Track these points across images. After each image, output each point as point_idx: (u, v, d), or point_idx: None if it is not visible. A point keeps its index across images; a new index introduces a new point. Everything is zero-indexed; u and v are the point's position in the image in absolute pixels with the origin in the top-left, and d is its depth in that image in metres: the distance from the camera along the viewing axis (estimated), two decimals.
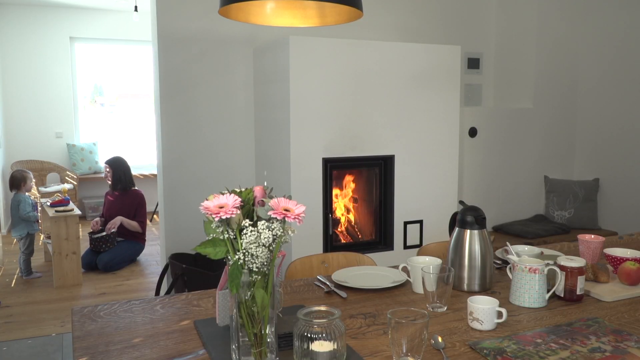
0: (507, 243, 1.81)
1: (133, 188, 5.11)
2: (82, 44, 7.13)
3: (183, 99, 3.73)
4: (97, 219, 5.13)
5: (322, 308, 1.17)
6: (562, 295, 1.59)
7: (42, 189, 6.36)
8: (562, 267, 1.58)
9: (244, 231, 1.07)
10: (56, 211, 4.41)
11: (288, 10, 1.83)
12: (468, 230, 1.70)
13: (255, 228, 1.07)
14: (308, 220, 3.38)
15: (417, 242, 3.77)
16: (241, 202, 1.09)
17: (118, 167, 5.02)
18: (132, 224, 4.98)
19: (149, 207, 6.81)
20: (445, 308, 1.52)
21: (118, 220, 4.86)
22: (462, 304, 1.55)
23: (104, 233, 4.83)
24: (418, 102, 3.68)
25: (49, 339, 3.34)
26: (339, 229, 3.70)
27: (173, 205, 3.77)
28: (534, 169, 4.57)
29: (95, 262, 4.74)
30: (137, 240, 5.06)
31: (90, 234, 4.86)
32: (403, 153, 3.67)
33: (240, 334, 1.12)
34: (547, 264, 1.57)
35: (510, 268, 1.64)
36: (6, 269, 4.84)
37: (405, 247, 3.75)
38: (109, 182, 5.08)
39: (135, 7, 6.26)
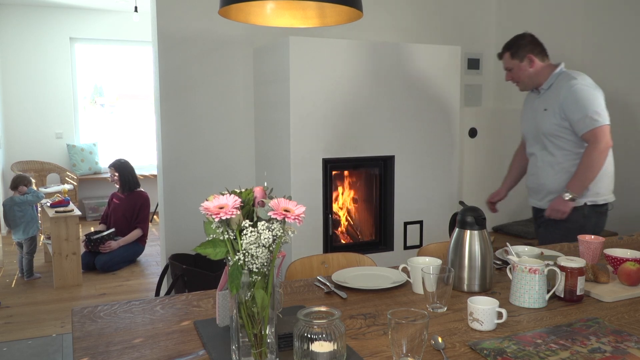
0: (507, 243, 1.81)
1: (138, 189, 5.12)
2: (82, 45, 7.13)
3: (183, 99, 3.73)
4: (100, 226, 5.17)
5: (322, 308, 1.17)
6: (562, 296, 1.59)
7: (42, 189, 6.36)
8: (562, 268, 1.58)
9: (244, 232, 1.07)
10: (56, 212, 4.41)
11: (288, 10, 1.83)
12: (468, 231, 1.70)
13: (255, 229, 1.07)
14: (308, 220, 3.38)
15: (417, 243, 3.77)
16: (241, 202, 1.09)
17: (124, 169, 5.05)
18: (130, 237, 4.97)
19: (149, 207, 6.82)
20: (445, 308, 1.52)
21: (115, 244, 4.85)
22: (462, 304, 1.54)
23: (104, 233, 4.82)
24: (418, 102, 3.68)
25: (49, 339, 3.34)
26: (339, 230, 3.70)
27: (173, 206, 3.77)
28: None
29: (93, 262, 4.74)
30: (137, 241, 5.06)
31: (88, 235, 4.85)
32: (403, 153, 3.67)
33: (241, 335, 1.13)
34: (547, 265, 1.57)
35: (510, 268, 1.64)
36: (6, 269, 4.84)
37: (405, 247, 3.75)
38: (117, 186, 5.10)
39: (135, 7, 6.26)
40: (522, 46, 2.65)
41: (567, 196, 2.54)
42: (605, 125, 2.48)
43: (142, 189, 5.18)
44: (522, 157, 2.96)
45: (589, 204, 2.56)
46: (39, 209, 5.06)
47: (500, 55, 2.76)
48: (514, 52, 2.68)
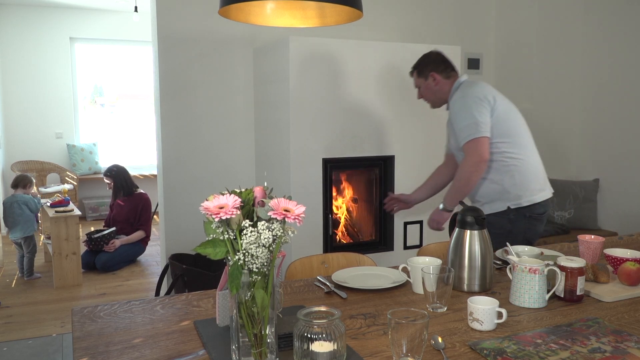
0: (507, 243, 1.82)
1: (138, 191, 5.12)
2: (82, 45, 7.13)
3: (183, 99, 3.73)
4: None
5: (322, 308, 1.17)
6: (562, 296, 1.59)
7: (42, 189, 6.36)
8: (562, 268, 1.58)
9: (244, 231, 1.07)
10: (56, 212, 4.41)
11: (288, 10, 1.83)
12: (468, 231, 1.70)
13: (255, 228, 1.07)
14: (308, 220, 3.38)
15: (417, 243, 3.77)
16: (241, 202, 1.09)
17: (117, 175, 5.04)
18: (133, 238, 4.97)
19: None
20: (445, 308, 1.52)
21: (118, 242, 4.85)
22: (462, 304, 1.54)
23: (105, 232, 4.82)
24: (418, 102, 3.67)
25: (49, 339, 3.34)
26: (339, 230, 3.69)
27: (173, 206, 3.77)
28: None
29: (93, 261, 4.74)
30: (139, 242, 5.06)
31: (89, 234, 4.85)
32: (403, 153, 3.67)
33: (241, 335, 1.13)
34: (547, 265, 1.57)
35: (510, 268, 1.64)
36: (6, 269, 4.84)
37: (405, 247, 3.75)
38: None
39: (135, 7, 6.27)
40: (426, 64, 2.66)
41: (441, 207, 2.56)
42: (482, 137, 2.37)
43: (141, 191, 5.17)
44: (439, 173, 2.91)
45: (512, 207, 2.44)
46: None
47: (411, 74, 2.75)
48: (420, 71, 2.68)
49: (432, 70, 2.63)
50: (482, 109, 2.41)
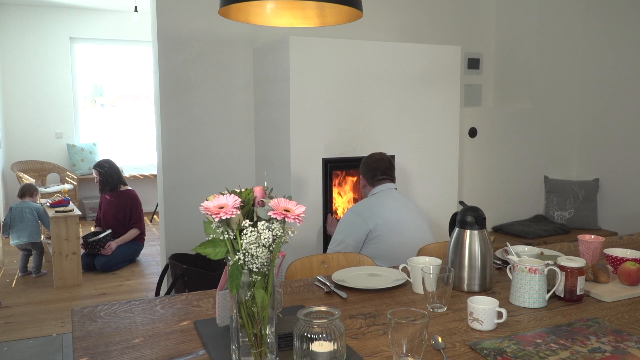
0: (507, 243, 1.82)
1: (125, 188, 5.09)
2: (82, 44, 7.13)
3: (183, 99, 3.73)
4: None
5: (322, 308, 1.17)
6: (562, 296, 1.59)
7: (42, 189, 6.35)
8: (562, 268, 1.58)
9: (244, 231, 1.07)
10: (56, 211, 4.41)
11: (288, 10, 1.83)
12: (468, 231, 1.70)
13: (255, 228, 1.07)
14: (308, 220, 3.38)
15: None
16: (241, 202, 1.09)
17: (105, 170, 5.02)
18: (128, 236, 4.96)
19: (149, 207, 6.82)
20: (445, 308, 1.52)
21: (114, 244, 4.83)
22: (462, 304, 1.54)
23: (100, 236, 4.80)
24: (418, 102, 3.68)
25: (49, 339, 3.34)
26: None
27: (173, 205, 3.77)
28: (534, 169, 4.57)
29: (93, 262, 4.73)
30: (135, 240, 5.05)
31: (85, 237, 4.83)
32: (403, 153, 3.67)
33: (241, 334, 1.13)
34: (547, 264, 1.57)
35: (510, 268, 1.64)
36: (6, 269, 4.84)
37: None
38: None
39: (135, 7, 6.26)
40: (361, 165, 2.85)
41: None
42: (330, 253, 2.50)
43: (129, 187, 5.14)
44: None
45: None
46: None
47: None
48: (359, 169, 2.88)
49: (361, 173, 2.83)
50: (354, 231, 2.54)
